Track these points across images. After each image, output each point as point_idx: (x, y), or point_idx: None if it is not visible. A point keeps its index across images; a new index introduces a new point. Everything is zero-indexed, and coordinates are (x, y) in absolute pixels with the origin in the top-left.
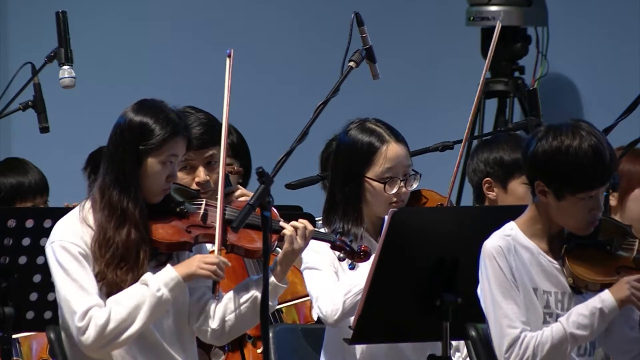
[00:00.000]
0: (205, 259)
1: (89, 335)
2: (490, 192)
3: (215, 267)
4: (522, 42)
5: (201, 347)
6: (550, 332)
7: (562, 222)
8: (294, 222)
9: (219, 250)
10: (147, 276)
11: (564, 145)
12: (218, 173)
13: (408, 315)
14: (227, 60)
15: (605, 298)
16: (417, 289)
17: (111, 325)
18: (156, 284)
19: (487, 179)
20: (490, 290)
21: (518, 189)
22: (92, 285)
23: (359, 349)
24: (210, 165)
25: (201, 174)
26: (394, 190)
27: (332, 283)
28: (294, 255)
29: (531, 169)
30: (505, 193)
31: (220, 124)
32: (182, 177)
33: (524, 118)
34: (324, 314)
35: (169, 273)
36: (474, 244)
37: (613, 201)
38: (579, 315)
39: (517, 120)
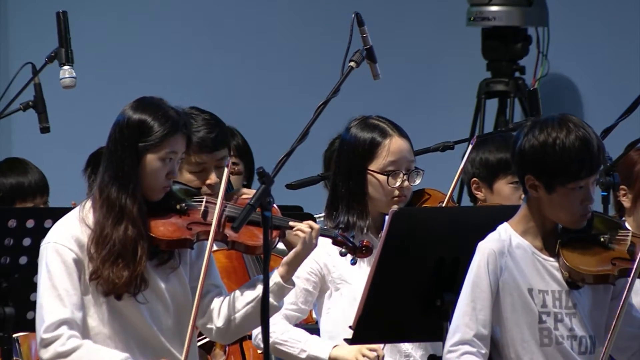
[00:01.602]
0: None
1: (46, 353)
2: (478, 192)
3: None
4: (523, 42)
5: (201, 347)
6: None
7: (554, 216)
8: (301, 226)
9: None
10: (124, 355)
11: (550, 137)
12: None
13: (408, 315)
14: (225, 169)
15: None
16: (418, 289)
17: None
18: None
19: (474, 179)
20: (467, 287)
21: (504, 189)
22: (72, 296)
23: None
24: (221, 167)
25: (213, 176)
26: (397, 183)
27: (288, 308)
28: (305, 257)
29: (520, 164)
30: (491, 193)
31: (226, 125)
32: (191, 179)
33: (525, 118)
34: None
35: None
36: (474, 244)
37: (626, 202)
38: None
39: (518, 121)
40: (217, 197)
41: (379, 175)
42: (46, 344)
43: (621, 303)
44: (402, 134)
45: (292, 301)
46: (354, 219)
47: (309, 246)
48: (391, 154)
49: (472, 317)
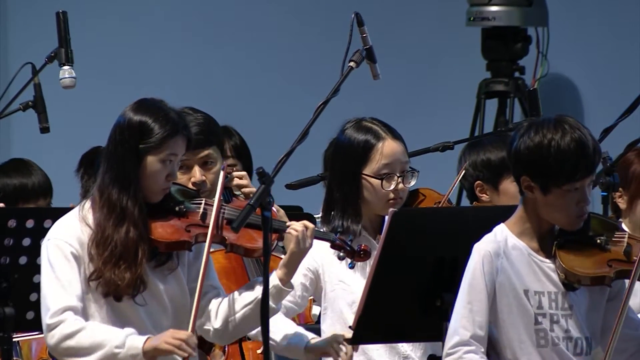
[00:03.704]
0: (175, 334)
1: (53, 336)
2: (483, 195)
3: (180, 342)
4: (523, 43)
5: (201, 348)
6: None
7: (550, 217)
8: (294, 225)
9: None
10: (129, 330)
11: (546, 138)
12: (214, 173)
13: (408, 315)
14: (222, 172)
15: None
16: (418, 289)
17: (71, 343)
18: (122, 340)
19: (478, 182)
20: (464, 289)
21: (510, 188)
22: (74, 287)
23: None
24: (207, 165)
25: (197, 173)
26: (392, 187)
27: (287, 299)
28: (300, 257)
29: (516, 165)
30: (497, 194)
31: (218, 125)
32: (178, 177)
33: (525, 118)
34: None
35: (138, 342)
36: (473, 244)
37: (622, 204)
38: None
39: (518, 121)
40: (210, 197)
41: (373, 179)
42: (52, 328)
43: (621, 306)
44: (396, 136)
45: (296, 294)
46: (348, 223)
47: (302, 246)
48: (384, 157)
49: (469, 320)
